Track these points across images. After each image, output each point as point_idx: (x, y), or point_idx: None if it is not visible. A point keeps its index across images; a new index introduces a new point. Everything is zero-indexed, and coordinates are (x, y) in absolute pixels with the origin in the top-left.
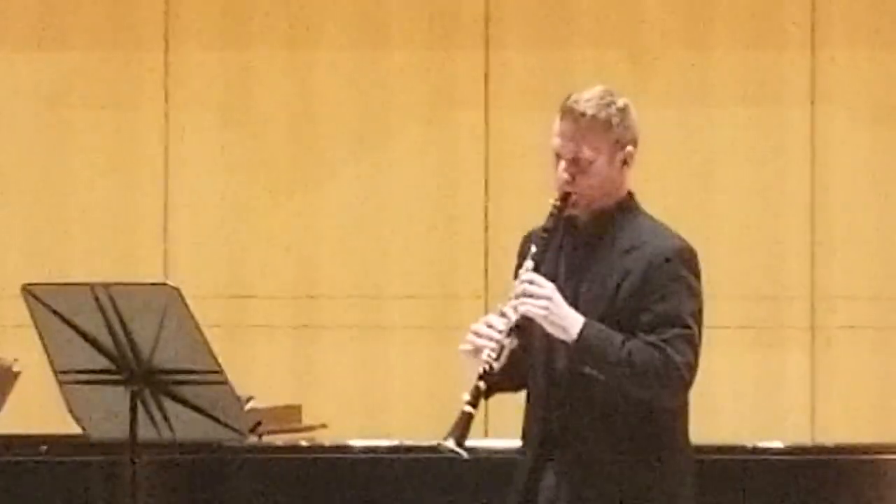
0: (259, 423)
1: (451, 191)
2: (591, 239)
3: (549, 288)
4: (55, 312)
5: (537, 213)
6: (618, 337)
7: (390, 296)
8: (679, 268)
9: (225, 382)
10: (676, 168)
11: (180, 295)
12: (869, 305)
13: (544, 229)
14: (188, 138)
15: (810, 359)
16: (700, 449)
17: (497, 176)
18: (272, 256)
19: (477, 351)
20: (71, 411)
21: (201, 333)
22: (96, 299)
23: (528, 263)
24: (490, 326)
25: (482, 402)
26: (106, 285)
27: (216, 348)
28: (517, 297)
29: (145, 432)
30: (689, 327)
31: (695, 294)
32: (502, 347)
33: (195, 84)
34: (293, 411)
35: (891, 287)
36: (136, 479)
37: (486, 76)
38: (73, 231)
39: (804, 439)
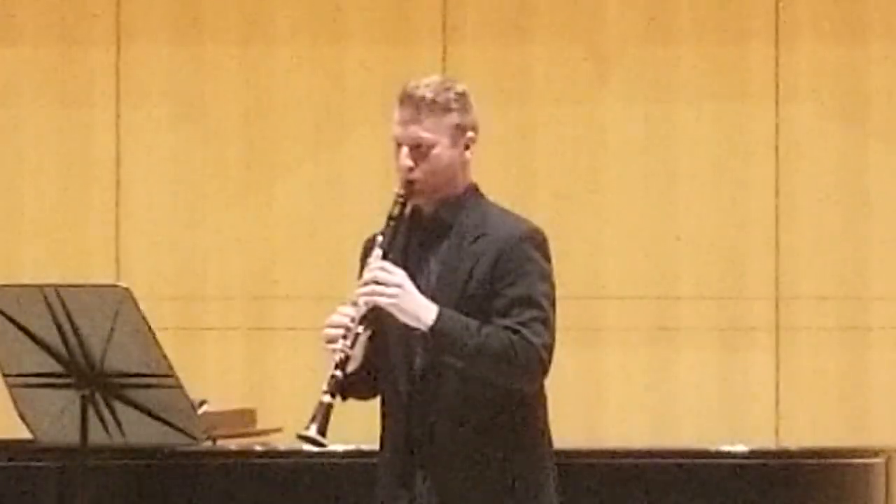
0: (213, 428)
1: None
2: (437, 228)
3: (399, 275)
4: (4, 314)
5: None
6: (473, 323)
7: (347, 297)
8: (529, 250)
9: (178, 386)
10: (638, 166)
11: (132, 296)
12: (834, 305)
13: (389, 217)
14: (140, 136)
15: (775, 360)
16: (662, 453)
17: None
18: (226, 256)
19: (332, 342)
20: (20, 415)
21: (153, 335)
22: (46, 301)
23: (377, 252)
24: (344, 316)
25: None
26: (56, 286)
27: (169, 350)
28: (366, 285)
29: (96, 437)
30: (543, 309)
31: (546, 276)
32: (356, 336)
33: (147, 81)
34: (248, 415)
35: (856, 287)
36: (86, 485)
37: (444, 71)
38: (23, 231)
39: (769, 442)
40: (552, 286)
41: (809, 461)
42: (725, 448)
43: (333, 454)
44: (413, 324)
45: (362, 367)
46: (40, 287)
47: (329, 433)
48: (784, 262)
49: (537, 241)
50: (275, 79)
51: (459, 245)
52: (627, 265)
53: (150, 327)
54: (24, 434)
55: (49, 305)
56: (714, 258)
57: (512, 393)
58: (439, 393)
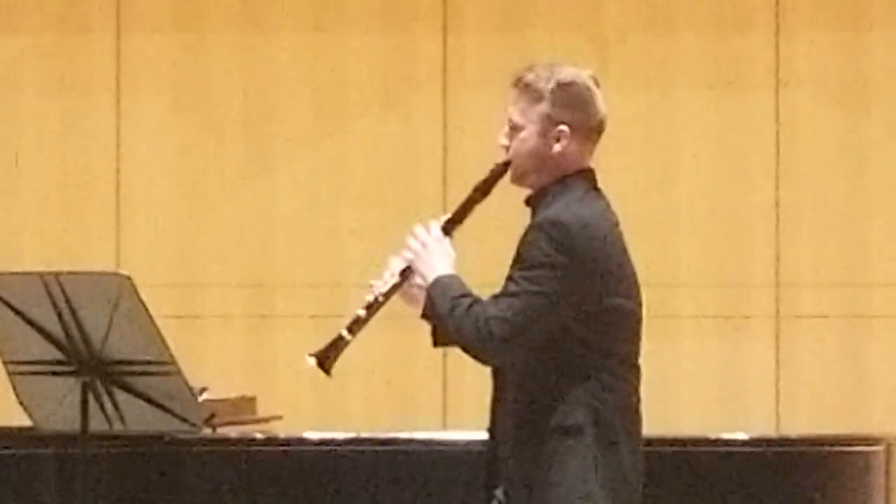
0: (213, 415)
1: (408, 176)
2: (531, 215)
3: (430, 236)
4: (4, 302)
5: (496, 197)
6: (457, 291)
7: (347, 284)
8: (538, 239)
9: (178, 373)
10: (639, 153)
11: (132, 284)
12: (835, 293)
13: (473, 188)
14: (140, 125)
15: (775, 348)
16: (662, 441)
17: (455, 160)
18: (226, 244)
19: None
20: (20, 402)
21: (154, 323)
22: (46, 288)
23: (446, 215)
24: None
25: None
26: (56, 274)
27: (169, 338)
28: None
29: (97, 424)
30: (519, 286)
31: (544, 264)
32: (393, 286)
33: (147, 68)
34: (248, 402)
35: (857, 275)
36: (86, 472)
37: (444, 59)
38: (24, 219)
39: (769, 430)
40: (551, 272)
41: (809, 449)
42: (725, 436)
43: (334, 442)
44: (423, 284)
45: None
46: (40, 274)
47: (330, 420)
48: (784, 250)
49: (550, 230)
50: (275, 67)
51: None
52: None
53: (150, 315)
54: (25, 421)
55: (49, 293)
56: (714, 246)
57: (542, 390)
58: (503, 385)
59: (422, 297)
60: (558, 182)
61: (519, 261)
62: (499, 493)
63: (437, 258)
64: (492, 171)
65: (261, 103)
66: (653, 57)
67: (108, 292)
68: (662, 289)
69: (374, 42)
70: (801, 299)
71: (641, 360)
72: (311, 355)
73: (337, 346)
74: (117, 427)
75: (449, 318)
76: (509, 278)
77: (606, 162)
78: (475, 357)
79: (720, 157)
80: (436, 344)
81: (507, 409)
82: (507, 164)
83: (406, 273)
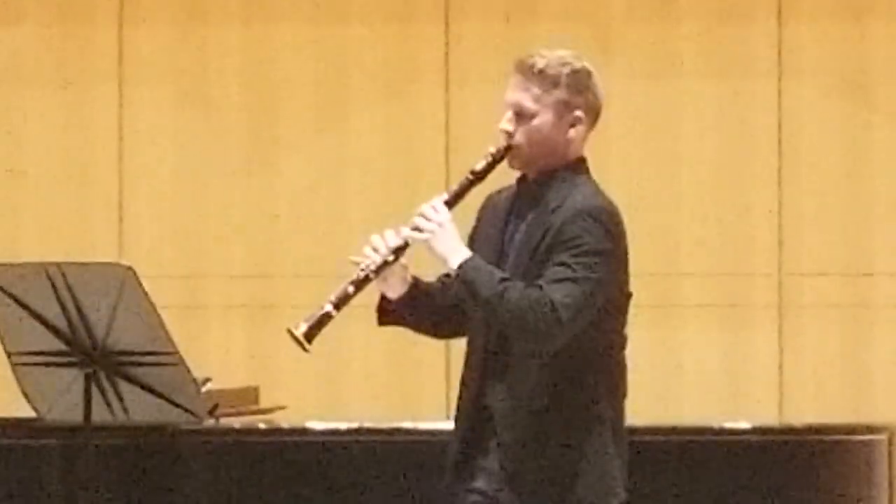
0: (216, 406)
1: (411, 166)
2: (532, 198)
3: (442, 216)
4: (7, 293)
5: (497, 187)
6: (498, 275)
7: (349, 275)
8: (587, 225)
9: (181, 364)
10: (642, 143)
11: (135, 275)
12: (837, 282)
13: (471, 172)
14: (143, 116)
15: (778, 337)
16: (665, 430)
17: (458, 151)
18: (228, 235)
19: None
20: (24, 393)
21: (157, 314)
22: (50, 279)
23: (443, 196)
24: (382, 241)
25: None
26: (59, 265)
27: (172, 329)
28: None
29: (100, 415)
30: (576, 272)
31: (597, 252)
32: (384, 263)
33: (149, 60)
34: (250, 393)
35: (860, 264)
36: (90, 463)
37: (447, 50)
38: (26, 210)
39: (772, 419)
40: (601, 258)
41: (813, 438)
42: (729, 425)
43: (337, 432)
44: (443, 264)
45: (416, 304)
46: (44, 265)
47: (333, 410)
48: (787, 239)
49: (599, 217)
50: (277, 58)
51: (540, 216)
52: (630, 242)
53: (153, 305)
54: (28, 412)
55: (53, 284)
56: (717, 235)
57: (572, 377)
58: (506, 371)
59: (403, 275)
60: (566, 167)
61: (570, 246)
62: (480, 484)
63: (455, 239)
64: (492, 155)
65: (263, 95)
66: (655, 47)
67: (111, 283)
68: (665, 278)
69: (377, 33)
70: (804, 288)
71: (645, 349)
72: (298, 326)
73: (322, 321)
74: (120, 418)
75: (500, 300)
76: (562, 263)
77: (609, 151)
78: (529, 337)
79: (723, 147)
80: (381, 323)
81: (525, 395)
82: (508, 149)
83: (400, 251)
